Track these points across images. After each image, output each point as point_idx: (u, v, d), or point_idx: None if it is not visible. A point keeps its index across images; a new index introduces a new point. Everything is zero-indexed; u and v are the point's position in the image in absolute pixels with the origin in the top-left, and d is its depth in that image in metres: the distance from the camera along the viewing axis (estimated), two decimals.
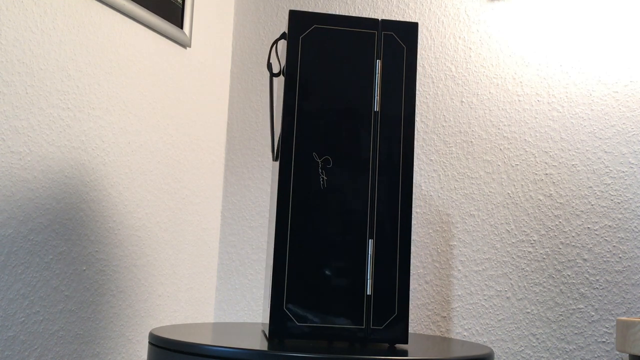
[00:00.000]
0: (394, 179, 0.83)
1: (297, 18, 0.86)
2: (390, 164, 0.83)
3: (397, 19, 1.36)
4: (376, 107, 0.84)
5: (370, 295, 0.81)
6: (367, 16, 1.40)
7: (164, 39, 1.32)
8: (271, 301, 0.80)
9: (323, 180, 0.83)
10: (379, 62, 0.85)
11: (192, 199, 1.40)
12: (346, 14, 1.43)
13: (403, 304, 0.81)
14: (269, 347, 0.74)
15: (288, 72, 0.85)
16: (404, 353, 0.76)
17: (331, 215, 0.82)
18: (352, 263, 0.81)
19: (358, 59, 0.85)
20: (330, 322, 0.81)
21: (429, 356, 0.75)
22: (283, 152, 0.83)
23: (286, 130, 0.84)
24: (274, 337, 0.80)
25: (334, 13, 1.24)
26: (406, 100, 0.85)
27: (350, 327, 0.80)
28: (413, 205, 1.28)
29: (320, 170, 0.83)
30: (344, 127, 0.84)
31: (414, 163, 1.29)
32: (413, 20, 1.34)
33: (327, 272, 0.81)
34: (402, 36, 0.86)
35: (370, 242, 0.82)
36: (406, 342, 0.81)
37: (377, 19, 0.87)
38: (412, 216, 1.28)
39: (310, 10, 1.46)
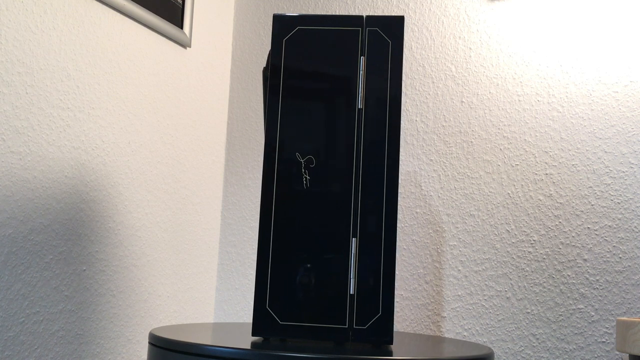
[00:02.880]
0: (378, 177, 0.82)
1: (281, 21, 0.86)
2: (374, 161, 0.82)
3: None
4: (360, 105, 0.84)
5: (353, 295, 0.80)
6: None
7: (164, 39, 1.32)
8: (254, 300, 0.81)
9: (306, 180, 0.83)
10: (362, 59, 0.85)
11: (192, 199, 1.40)
12: (346, 14, 1.42)
13: (388, 304, 0.79)
14: (261, 347, 0.74)
15: (272, 75, 0.85)
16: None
17: (314, 214, 0.82)
18: (335, 262, 0.81)
19: (342, 57, 0.85)
20: (313, 321, 0.80)
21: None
22: (266, 153, 0.83)
23: (270, 131, 0.84)
24: (257, 335, 0.81)
25: (332, 14, 1.24)
26: (392, 95, 0.83)
27: (334, 327, 0.80)
28: (413, 206, 1.28)
29: (303, 170, 0.83)
30: (328, 126, 0.84)
31: (415, 163, 1.29)
32: (414, 21, 1.34)
33: (310, 272, 0.81)
34: (387, 31, 0.85)
35: (354, 241, 0.81)
36: (391, 343, 0.79)
37: (362, 16, 0.86)
38: (412, 216, 1.28)
39: (310, 10, 1.46)
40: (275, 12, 1.51)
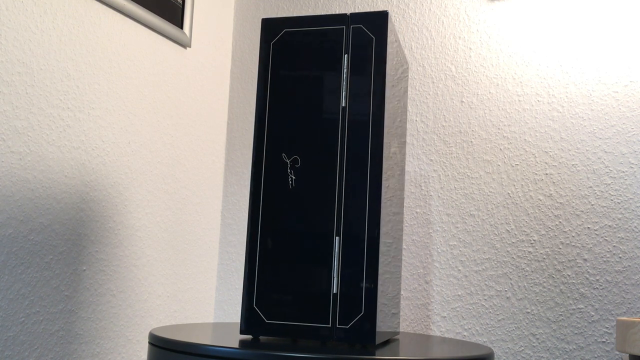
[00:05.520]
0: (361, 176, 0.82)
1: (268, 25, 0.87)
2: (357, 159, 0.82)
3: (399, 18, 1.36)
4: (343, 103, 0.84)
5: (336, 294, 0.80)
6: None
7: (164, 39, 1.32)
8: (242, 299, 0.82)
9: (292, 180, 0.83)
10: (346, 57, 0.85)
11: (192, 199, 1.40)
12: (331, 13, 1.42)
13: (370, 303, 0.79)
14: (260, 348, 0.74)
15: (260, 78, 0.86)
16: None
17: (299, 214, 0.82)
18: (319, 261, 0.81)
19: (328, 57, 0.85)
20: (297, 320, 0.80)
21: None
22: (254, 154, 0.84)
23: (257, 132, 0.85)
24: (245, 334, 0.81)
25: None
26: (375, 92, 0.83)
27: (317, 326, 0.80)
28: (413, 206, 1.28)
29: (289, 171, 0.83)
30: (313, 126, 0.84)
31: (415, 163, 1.29)
32: (414, 21, 1.34)
33: (295, 271, 0.81)
34: (371, 27, 0.84)
35: (337, 240, 0.81)
36: (373, 342, 0.78)
37: (346, 14, 0.86)
38: (412, 216, 1.28)
39: (310, 11, 1.46)
40: (275, 12, 1.51)
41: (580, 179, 1.16)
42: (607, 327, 1.11)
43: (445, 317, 1.23)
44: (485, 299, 1.20)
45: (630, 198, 1.12)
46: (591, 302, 1.12)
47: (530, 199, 1.19)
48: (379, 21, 0.84)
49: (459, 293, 1.22)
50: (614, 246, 1.12)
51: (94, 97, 1.14)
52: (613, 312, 1.11)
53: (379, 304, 0.79)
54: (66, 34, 1.09)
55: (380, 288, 0.81)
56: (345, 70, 0.84)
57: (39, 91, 1.04)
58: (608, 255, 1.12)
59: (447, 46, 1.30)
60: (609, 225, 1.13)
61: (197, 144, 1.42)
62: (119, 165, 1.20)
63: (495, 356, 1.18)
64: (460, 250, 1.23)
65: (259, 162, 0.84)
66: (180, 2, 1.36)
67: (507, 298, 1.18)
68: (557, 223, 1.16)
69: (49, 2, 1.06)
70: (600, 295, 1.12)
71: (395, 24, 1.36)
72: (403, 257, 1.28)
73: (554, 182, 1.18)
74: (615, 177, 1.13)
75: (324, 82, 0.84)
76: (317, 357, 0.70)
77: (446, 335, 1.22)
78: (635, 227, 1.11)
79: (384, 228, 0.94)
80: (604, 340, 1.11)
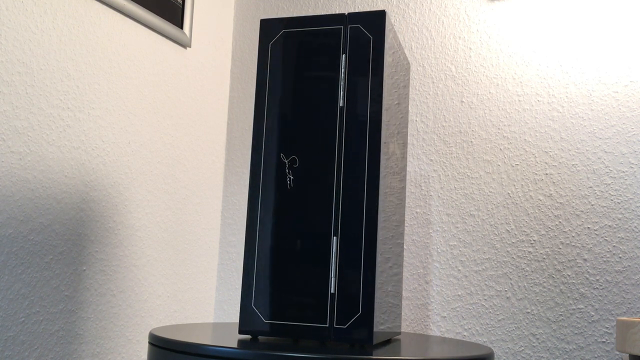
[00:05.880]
0: (358, 175, 0.81)
1: (267, 26, 0.88)
2: (355, 159, 0.82)
3: (399, 18, 1.36)
4: (341, 102, 0.84)
5: (334, 294, 0.80)
6: None
7: (164, 39, 1.32)
8: (241, 299, 0.82)
9: (290, 180, 0.83)
10: (344, 57, 0.85)
11: (192, 199, 1.40)
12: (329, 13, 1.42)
13: (368, 303, 0.79)
14: (262, 348, 0.74)
15: (258, 79, 0.86)
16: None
17: (297, 214, 0.82)
18: (317, 261, 0.81)
19: (326, 57, 0.85)
20: (296, 320, 0.81)
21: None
22: (253, 155, 0.84)
23: (256, 133, 0.85)
24: (243, 334, 0.82)
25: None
26: (373, 91, 0.83)
27: (315, 326, 0.80)
28: (413, 206, 1.28)
29: (287, 171, 0.83)
30: (311, 126, 0.84)
31: (415, 163, 1.29)
32: (414, 21, 1.34)
33: (293, 271, 0.81)
34: (369, 27, 0.84)
35: (335, 240, 0.81)
36: (371, 342, 0.78)
37: (344, 14, 0.86)
38: (412, 216, 1.28)
39: (310, 11, 1.46)
40: (275, 12, 1.51)
41: (580, 179, 1.16)
42: (607, 327, 1.11)
43: (445, 317, 1.23)
44: (485, 299, 1.20)
45: (630, 198, 1.12)
46: (591, 302, 1.12)
47: (530, 199, 1.19)
48: (377, 21, 0.84)
49: (459, 293, 1.22)
50: (614, 246, 1.12)
51: (94, 97, 1.15)
52: (613, 312, 1.11)
53: (376, 304, 0.79)
54: (66, 34, 1.09)
55: (379, 288, 0.81)
56: (343, 70, 0.84)
57: (39, 91, 1.04)
58: (608, 255, 1.12)
59: (447, 46, 1.30)
60: (609, 225, 1.13)
61: (197, 144, 1.42)
62: (119, 165, 1.20)
63: (495, 356, 1.18)
64: (460, 250, 1.23)
65: (258, 162, 0.84)
66: (180, 2, 1.36)
67: (507, 298, 1.18)
68: (557, 223, 1.16)
69: (49, 2, 1.06)
70: (600, 295, 1.12)
71: (395, 24, 1.36)
72: (403, 257, 1.27)
73: (554, 182, 1.18)
74: (615, 177, 1.13)
75: (322, 82, 0.85)
76: (316, 357, 0.70)
77: (446, 335, 1.22)
78: (635, 227, 1.11)
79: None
80: (604, 340, 1.11)
